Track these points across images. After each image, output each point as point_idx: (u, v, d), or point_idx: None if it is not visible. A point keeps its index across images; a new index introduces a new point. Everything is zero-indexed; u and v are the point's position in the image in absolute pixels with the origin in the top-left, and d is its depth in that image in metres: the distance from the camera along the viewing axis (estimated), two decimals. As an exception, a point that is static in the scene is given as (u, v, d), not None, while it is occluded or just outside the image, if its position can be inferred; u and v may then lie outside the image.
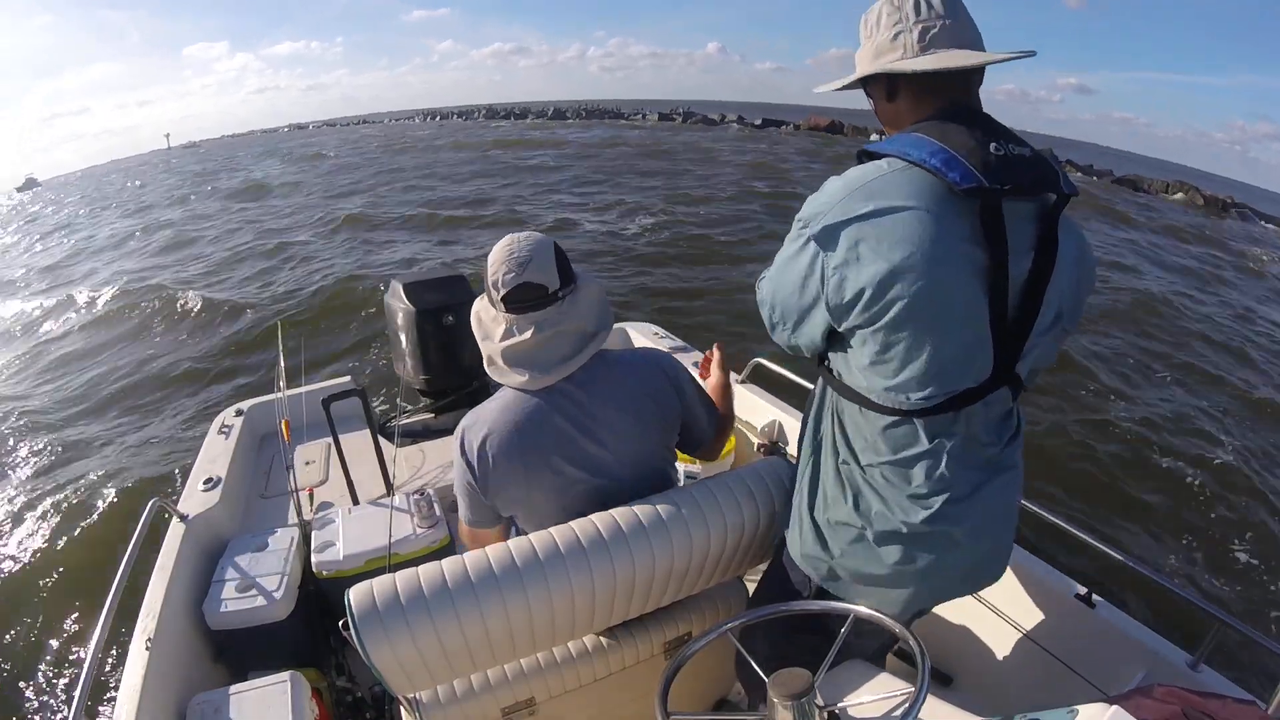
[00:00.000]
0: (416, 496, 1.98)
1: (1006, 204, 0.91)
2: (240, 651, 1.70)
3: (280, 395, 2.40)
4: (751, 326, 6.25)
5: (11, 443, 5.32)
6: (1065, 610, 1.51)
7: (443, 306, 2.64)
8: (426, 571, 1.09)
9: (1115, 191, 25.28)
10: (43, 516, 4.07)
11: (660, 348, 2.26)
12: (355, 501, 2.18)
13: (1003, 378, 0.99)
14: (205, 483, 2.16)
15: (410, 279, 2.75)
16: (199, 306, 8.06)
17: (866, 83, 1.06)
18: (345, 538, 1.88)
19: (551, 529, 1.17)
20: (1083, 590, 1.50)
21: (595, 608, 1.18)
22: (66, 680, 2.96)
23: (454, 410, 2.75)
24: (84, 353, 7.53)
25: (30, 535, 3.96)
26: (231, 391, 5.85)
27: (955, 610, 1.67)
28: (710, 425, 1.41)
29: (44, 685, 2.97)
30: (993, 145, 0.91)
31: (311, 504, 2.21)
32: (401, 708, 1.23)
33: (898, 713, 0.93)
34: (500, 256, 1.20)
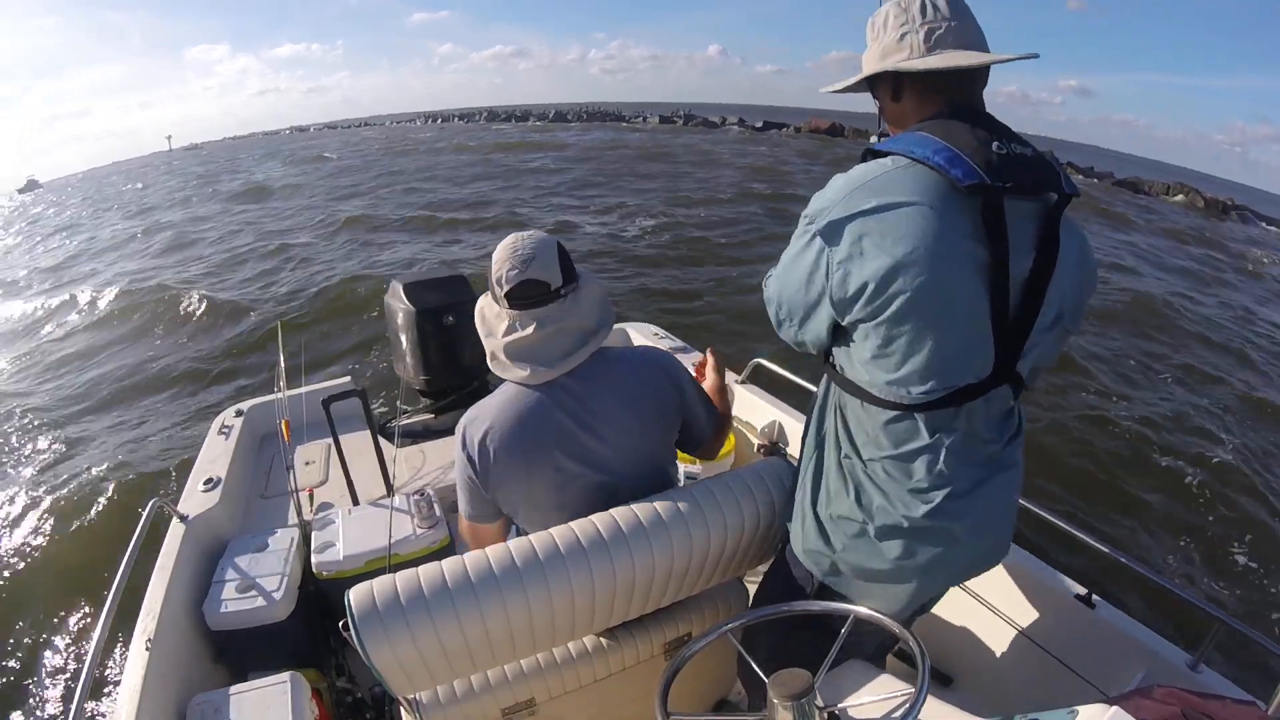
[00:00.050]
0: (416, 497, 1.98)
1: (1008, 202, 0.92)
2: (240, 652, 1.70)
3: (280, 396, 2.40)
4: (751, 327, 6.27)
5: (14, 440, 5.35)
6: (1065, 610, 1.51)
7: (443, 306, 2.64)
8: (426, 572, 1.09)
9: (1116, 194, 25.34)
10: (43, 516, 4.08)
11: (660, 348, 2.26)
12: (355, 502, 2.18)
13: (1003, 375, 1.00)
14: (205, 483, 2.16)
15: (410, 279, 2.75)
16: (200, 307, 8.07)
17: (873, 82, 1.08)
18: (345, 538, 1.88)
19: (551, 529, 1.17)
20: (1082, 590, 1.51)
21: (595, 608, 1.18)
22: (66, 680, 2.94)
23: (454, 410, 2.75)
24: (85, 353, 7.54)
25: (30, 534, 3.96)
26: (232, 392, 5.86)
27: (955, 610, 1.67)
28: (709, 424, 1.41)
29: (44, 685, 2.96)
30: (995, 144, 0.92)
31: (311, 504, 2.21)
32: (401, 708, 1.23)
33: (898, 713, 0.93)
34: (504, 254, 1.21)
